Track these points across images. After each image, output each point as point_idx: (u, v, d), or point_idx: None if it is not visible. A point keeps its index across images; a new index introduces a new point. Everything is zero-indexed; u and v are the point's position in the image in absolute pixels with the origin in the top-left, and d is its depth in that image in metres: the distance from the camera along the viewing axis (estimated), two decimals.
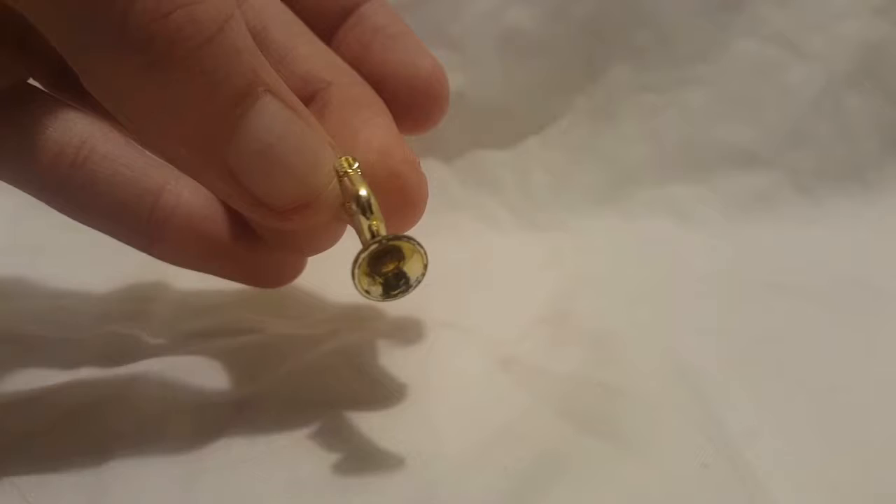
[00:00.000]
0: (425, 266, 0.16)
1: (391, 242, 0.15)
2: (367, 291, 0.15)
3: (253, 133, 0.14)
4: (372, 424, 0.18)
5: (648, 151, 0.32)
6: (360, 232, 0.15)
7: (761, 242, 0.30)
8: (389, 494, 0.16)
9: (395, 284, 0.15)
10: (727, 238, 0.30)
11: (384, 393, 0.20)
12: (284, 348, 0.22)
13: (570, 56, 0.32)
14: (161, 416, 0.19)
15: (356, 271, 0.15)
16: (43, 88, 0.20)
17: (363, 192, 0.15)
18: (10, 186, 0.19)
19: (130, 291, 0.26)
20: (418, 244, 0.15)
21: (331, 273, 0.28)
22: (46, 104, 0.19)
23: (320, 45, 0.19)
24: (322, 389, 0.20)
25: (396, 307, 0.25)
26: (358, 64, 0.19)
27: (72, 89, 0.20)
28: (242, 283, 0.21)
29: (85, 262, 0.26)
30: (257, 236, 0.19)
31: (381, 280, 0.15)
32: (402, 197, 0.17)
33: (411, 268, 0.16)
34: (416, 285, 0.16)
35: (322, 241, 0.18)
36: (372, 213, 0.15)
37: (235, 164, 0.14)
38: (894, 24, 0.32)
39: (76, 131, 0.18)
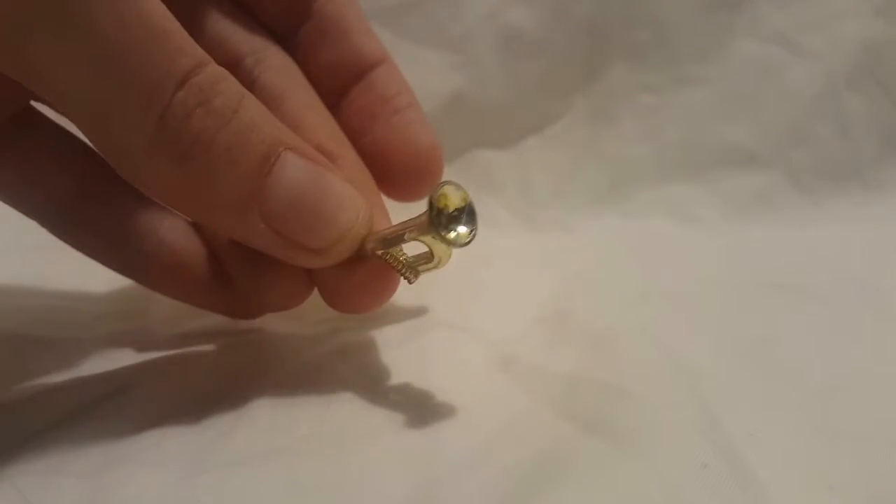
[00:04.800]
0: (464, 193, 0.16)
1: (435, 199, 0.16)
2: (466, 237, 0.16)
3: (281, 188, 0.16)
4: (371, 424, 0.18)
5: (648, 151, 0.32)
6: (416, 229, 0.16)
7: (761, 242, 0.30)
8: (389, 494, 0.16)
9: (463, 220, 0.16)
10: (727, 238, 0.30)
11: (384, 393, 0.20)
12: (284, 348, 0.22)
13: (570, 56, 0.32)
14: (161, 417, 0.19)
15: (447, 235, 0.16)
16: (40, 114, 0.20)
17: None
18: None
19: (130, 291, 0.26)
20: (445, 185, 0.16)
21: None
22: (48, 135, 0.20)
23: (328, 116, 0.21)
24: (322, 389, 0.20)
25: (395, 307, 0.25)
26: (363, 132, 0.20)
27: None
28: (221, 314, 0.22)
29: (85, 262, 0.26)
30: (227, 278, 0.21)
31: (455, 227, 0.16)
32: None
33: (455, 201, 0.16)
34: (472, 205, 0.17)
35: (287, 302, 0.20)
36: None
37: (270, 218, 0.16)
38: (894, 24, 0.32)
39: (74, 166, 0.20)
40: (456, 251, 0.17)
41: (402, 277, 0.18)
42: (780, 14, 0.32)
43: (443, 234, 0.16)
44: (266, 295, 0.19)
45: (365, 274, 0.18)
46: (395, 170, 0.18)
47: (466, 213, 0.16)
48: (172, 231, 0.20)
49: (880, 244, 0.29)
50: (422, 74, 0.32)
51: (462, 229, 0.16)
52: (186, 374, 0.21)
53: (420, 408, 0.19)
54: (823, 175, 0.32)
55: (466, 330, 0.23)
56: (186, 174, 0.15)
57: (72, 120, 0.15)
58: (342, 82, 0.21)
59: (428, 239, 0.17)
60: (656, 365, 0.20)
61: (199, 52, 0.15)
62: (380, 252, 0.17)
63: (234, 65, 0.20)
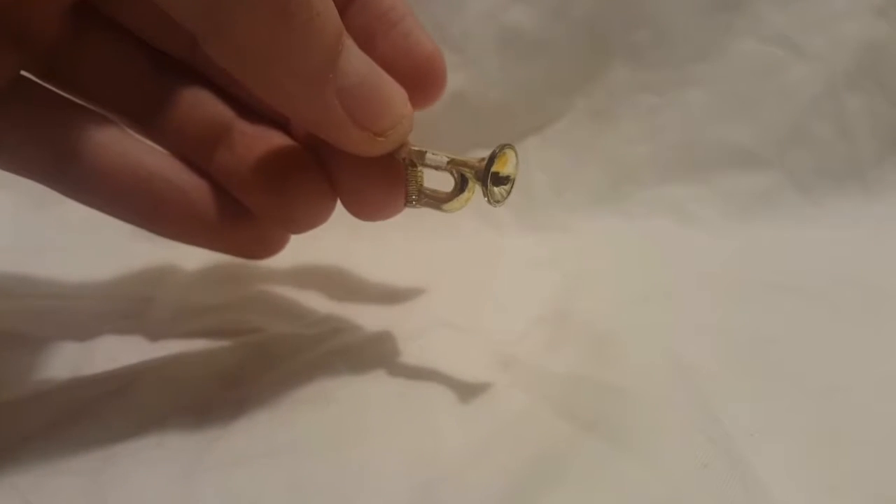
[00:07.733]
0: (515, 167, 0.19)
1: (497, 155, 0.18)
2: (501, 197, 0.18)
3: (351, 66, 0.17)
4: (371, 424, 0.18)
5: (648, 151, 0.32)
6: (459, 165, 0.18)
7: (761, 242, 0.30)
8: (389, 494, 0.16)
9: (506, 188, 0.19)
10: (727, 238, 0.30)
11: (384, 392, 0.20)
12: (284, 348, 0.22)
13: (570, 56, 0.32)
14: (161, 416, 0.19)
15: (489, 187, 0.18)
16: (37, 80, 0.20)
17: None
18: (11, 187, 0.20)
19: (130, 291, 0.26)
20: (509, 148, 0.18)
21: (330, 273, 0.28)
22: (44, 98, 0.20)
23: None
24: (322, 389, 0.20)
25: (396, 306, 0.25)
26: (365, 51, 0.20)
27: (64, 80, 0.21)
28: (233, 255, 0.23)
29: (85, 261, 0.26)
30: (244, 213, 0.21)
31: (496, 187, 0.18)
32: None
33: (511, 167, 0.18)
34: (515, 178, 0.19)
35: (314, 217, 0.20)
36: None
37: (342, 93, 0.17)
38: (894, 24, 0.32)
39: (73, 124, 0.20)
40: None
41: (407, 195, 0.19)
42: (780, 14, 0.32)
43: (488, 184, 0.18)
44: (293, 212, 0.20)
45: (384, 183, 0.19)
46: (401, 82, 0.19)
47: (511, 183, 0.18)
48: (178, 171, 0.21)
49: (880, 244, 0.29)
50: None
51: (499, 194, 0.18)
52: (186, 374, 0.21)
53: (420, 407, 0.19)
54: (823, 175, 0.32)
55: (467, 330, 0.23)
56: (285, 30, 0.15)
57: None
58: (337, 5, 0.21)
59: (468, 177, 0.18)
60: (656, 365, 0.20)
61: None
62: (407, 160, 0.18)
63: None
